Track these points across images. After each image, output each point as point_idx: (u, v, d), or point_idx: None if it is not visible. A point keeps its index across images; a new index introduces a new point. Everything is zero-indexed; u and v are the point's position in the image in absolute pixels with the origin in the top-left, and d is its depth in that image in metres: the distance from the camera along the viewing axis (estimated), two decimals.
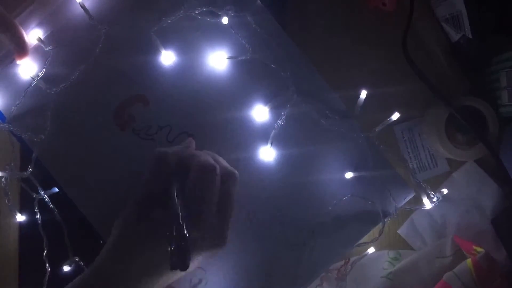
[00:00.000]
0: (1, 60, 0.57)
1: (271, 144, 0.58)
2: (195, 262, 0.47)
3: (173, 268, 0.41)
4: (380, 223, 0.60)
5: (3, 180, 0.56)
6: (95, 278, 0.46)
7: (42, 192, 0.57)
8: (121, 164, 0.58)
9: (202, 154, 0.52)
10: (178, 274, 0.48)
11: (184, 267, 0.41)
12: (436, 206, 0.60)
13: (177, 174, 0.49)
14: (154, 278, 0.46)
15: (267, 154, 0.59)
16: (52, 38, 0.58)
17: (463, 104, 0.60)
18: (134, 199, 0.49)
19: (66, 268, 0.56)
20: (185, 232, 0.42)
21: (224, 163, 0.54)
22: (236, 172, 0.53)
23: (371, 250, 0.62)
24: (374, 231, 0.61)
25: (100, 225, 0.57)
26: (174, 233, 0.42)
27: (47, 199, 0.57)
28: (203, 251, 0.47)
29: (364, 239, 0.60)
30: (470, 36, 0.59)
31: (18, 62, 0.57)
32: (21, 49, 0.55)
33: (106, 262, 0.47)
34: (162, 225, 0.45)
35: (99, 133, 0.58)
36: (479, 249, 0.59)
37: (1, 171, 0.56)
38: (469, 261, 0.58)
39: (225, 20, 0.59)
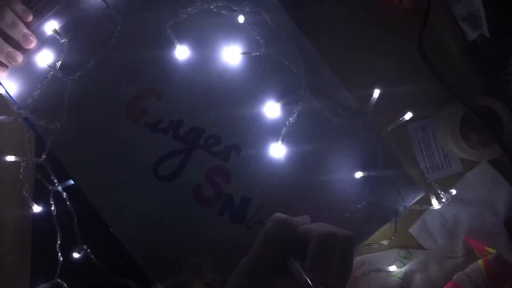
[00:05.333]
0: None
1: (282, 141, 0.59)
2: None
3: None
4: (389, 222, 0.60)
5: (21, 171, 0.57)
6: None
7: (55, 181, 0.57)
8: (132, 156, 0.59)
9: (318, 225, 0.51)
10: None
11: None
12: (449, 206, 0.60)
13: (294, 244, 0.48)
14: None
15: (277, 151, 0.59)
16: (67, 28, 0.59)
17: (478, 103, 0.60)
18: (254, 256, 0.48)
19: (76, 255, 0.57)
20: None
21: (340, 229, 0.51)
22: (351, 233, 0.50)
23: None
24: (385, 229, 0.60)
25: (109, 216, 0.58)
26: None
27: (61, 189, 0.57)
28: None
29: (374, 239, 0.60)
30: (488, 35, 0.58)
31: (26, 47, 0.58)
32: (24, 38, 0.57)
33: None
34: None
35: (112, 125, 0.59)
36: (491, 250, 0.58)
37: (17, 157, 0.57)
38: (480, 262, 0.58)
39: (241, 17, 0.59)
